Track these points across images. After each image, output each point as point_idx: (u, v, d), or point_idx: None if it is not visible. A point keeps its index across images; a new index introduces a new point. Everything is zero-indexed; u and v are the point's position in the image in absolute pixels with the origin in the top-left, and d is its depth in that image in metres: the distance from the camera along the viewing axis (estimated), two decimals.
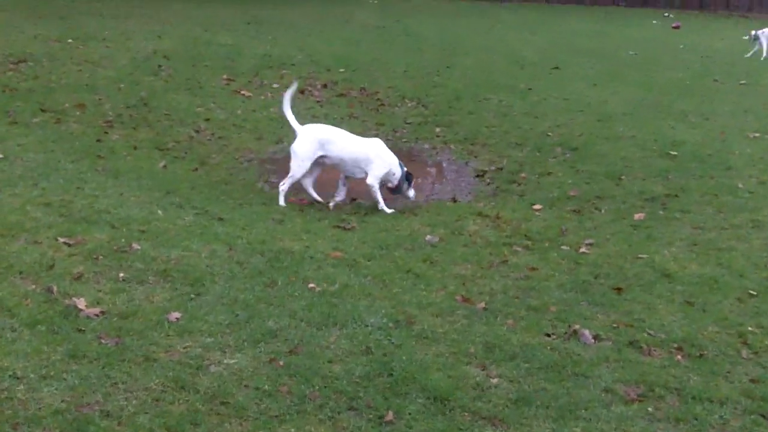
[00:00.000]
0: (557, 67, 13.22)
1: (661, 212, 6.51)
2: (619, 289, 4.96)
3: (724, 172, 7.71)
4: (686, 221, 6.33)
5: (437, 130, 9.11)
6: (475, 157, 8.21)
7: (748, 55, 16.46)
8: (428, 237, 5.72)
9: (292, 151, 6.38)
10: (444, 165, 8.06)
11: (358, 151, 6.38)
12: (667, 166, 7.76)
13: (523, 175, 7.55)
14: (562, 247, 5.68)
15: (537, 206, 6.62)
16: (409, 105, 10.11)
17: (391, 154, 6.48)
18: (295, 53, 12.31)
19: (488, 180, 7.48)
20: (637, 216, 6.39)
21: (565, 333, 4.32)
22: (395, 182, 6.48)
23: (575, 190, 7.05)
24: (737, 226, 6.25)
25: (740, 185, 7.26)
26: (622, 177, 7.41)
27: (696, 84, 12.92)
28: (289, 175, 6.38)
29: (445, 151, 8.44)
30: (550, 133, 8.90)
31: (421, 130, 9.09)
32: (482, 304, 4.63)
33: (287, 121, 6.43)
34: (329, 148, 6.35)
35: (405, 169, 6.51)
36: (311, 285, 4.68)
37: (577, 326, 4.37)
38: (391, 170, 6.43)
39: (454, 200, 6.88)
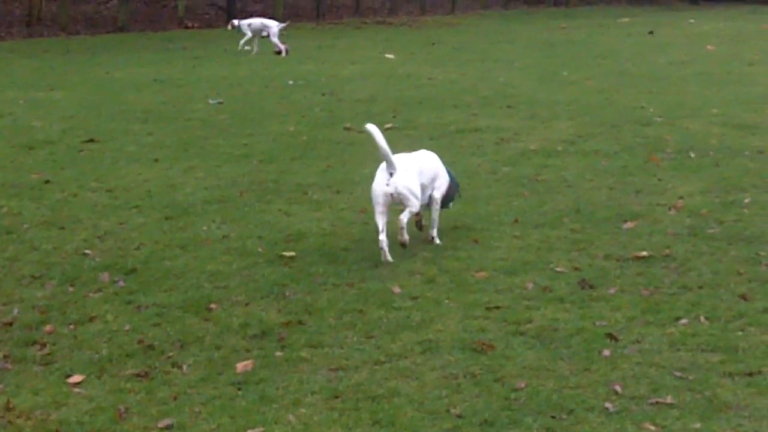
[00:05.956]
0: (92, 140, 13.50)
1: (278, 353, 6.78)
2: None
3: (371, 271, 8.34)
4: (320, 361, 6.66)
5: None
6: None
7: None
8: None
9: (407, 191, 8.69)
10: None
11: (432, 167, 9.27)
12: (281, 278, 8.16)
13: (48, 328, 7.45)
14: None
15: (76, 377, 6.54)
16: None
17: None
18: None
19: None
20: (241, 366, 6.58)
21: None
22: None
23: (139, 339, 7.11)
24: (398, 356, 6.72)
25: (396, 289, 7.87)
26: (213, 306, 7.65)
27: (319, 138, 13.93)
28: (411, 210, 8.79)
29: None
30: (88, 251, 8.94)
31: None
32: None
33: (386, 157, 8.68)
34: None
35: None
36: None
37: None
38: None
39: None
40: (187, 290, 7.99)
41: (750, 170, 11.85)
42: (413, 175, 8.78)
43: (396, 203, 8.71)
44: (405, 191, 8.64)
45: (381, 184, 8.66)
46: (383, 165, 8.72)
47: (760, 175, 11.53)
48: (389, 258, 8.57)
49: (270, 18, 27.40)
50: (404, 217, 8.64)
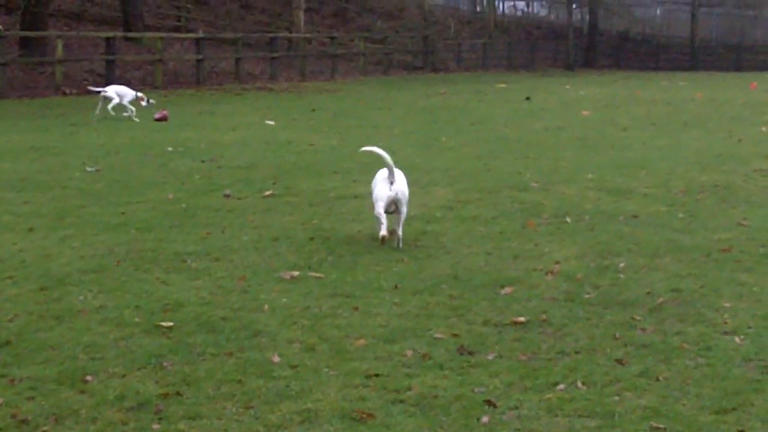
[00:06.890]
0: None
1: (156, 425, 6.68)
2: None
3: (250, 340, 8.26)
4: None
5: None
6: None
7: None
8: None
9: (403, 195, 11.19)
10: None
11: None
12: (159, 348, 8.05)
13: None
14: None
15: None
16: None
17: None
18: None
19: None
20: None
21: None
22: None
23: (13, 414, 6.96)
24: (277, 426, 6.69)
25: (275, 359, 7.82)
26: (89, 378, 7.51)
27: (199, 205, 13.89)
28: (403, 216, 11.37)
29: None
30: None
31: None
32: None
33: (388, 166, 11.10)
34: None
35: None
36: None
37: None
38: None
39: None
40: (63, 362, 7.85)
41: (624, 234, 12.09)
42: (405, 184, 11.26)
43: (390, 208, 11.10)
44: (403, 197, 11.14)
45: (385, 190, 11.02)
46: (382, 175, 11.21)
47: (634, 240, 11.76)
48: (385, 232, 11.00)
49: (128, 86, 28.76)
50: (399, 230, 11.26)
